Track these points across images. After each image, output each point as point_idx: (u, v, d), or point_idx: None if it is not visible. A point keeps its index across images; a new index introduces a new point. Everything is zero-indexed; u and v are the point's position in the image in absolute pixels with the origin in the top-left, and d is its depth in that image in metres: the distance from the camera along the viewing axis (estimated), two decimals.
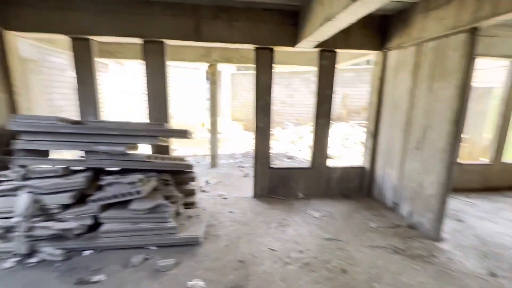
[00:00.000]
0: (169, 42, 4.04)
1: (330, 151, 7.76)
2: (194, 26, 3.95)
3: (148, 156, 3.49)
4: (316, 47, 4.28)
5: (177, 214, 3.46)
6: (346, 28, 4.38)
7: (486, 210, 4.49)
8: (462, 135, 3.29)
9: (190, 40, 4.02)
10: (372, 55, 4.80)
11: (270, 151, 4.75)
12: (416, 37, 3.70)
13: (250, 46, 4.27)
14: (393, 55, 4.29)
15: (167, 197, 3.35)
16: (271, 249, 3.16)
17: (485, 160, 5.57)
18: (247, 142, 9.98)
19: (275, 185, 4.83)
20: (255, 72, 4.39)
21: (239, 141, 10.43)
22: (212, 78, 6.54)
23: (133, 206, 3.02)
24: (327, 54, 4.46)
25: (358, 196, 4.96)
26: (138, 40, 3.94)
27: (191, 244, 3.14)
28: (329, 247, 3.24)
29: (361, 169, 5.04)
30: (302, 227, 3.73)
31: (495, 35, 4.74)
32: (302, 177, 4.87)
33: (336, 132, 9.68)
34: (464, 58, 3.03)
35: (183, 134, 3.61)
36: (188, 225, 3.36)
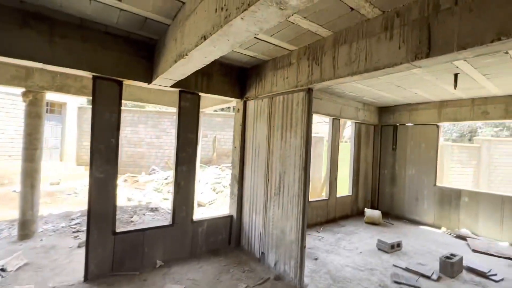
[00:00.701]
0: None
1: (200, 198, 7.35)
2: None
3: None
4: (176, 87, 3.87)
5: None
6: (209, 73, 4.36)
7: (330, 242, 5.16)
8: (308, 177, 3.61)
9: None
10: (235, 102, 4.92)
11: (117, 208, 3.57)
12: (269, 90, 4.03)
13: (86, 74, 3.26)
14: (252, 104, 4.53)
15: None
16: None
17: (324, 196, 6.74)
18: None
19: (122, 256, 3.58)
20: (92, 107, 3.34)
21: (83, 193, 7.98)
22: (34, 109, 4.68)
23: None
24: (188, 96, 4.12)
25: (227, 250, 4.51)
26: None
27: None
28: None
29: (229, 218, 4.71)
30: None
31: (322, 98, 6.11)
32: (161, 238, 3.92)
33: (206, 176, 9.36)
34: (305, 112, 3.45)
35: None
36: None
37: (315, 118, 9.38)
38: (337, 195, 6.81)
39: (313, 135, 11.41)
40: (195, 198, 6.30)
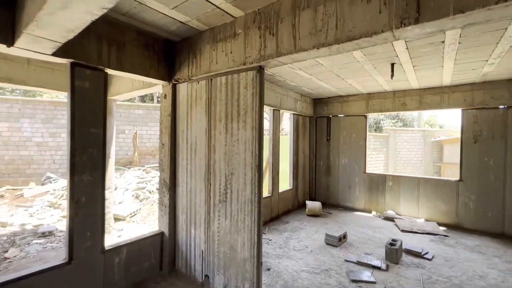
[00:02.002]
0: None
1: (118, 210, 5.76)
2: None
3: None
4: (64, 56, 2.55)
5: None
6: (120, 42, 3.12)
7: (279, 244, 4.71)
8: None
9: None
10: (160, 87, 3.80)
11: None
12: (207, 70, 3.14)
13: None
14: (184, 88, 3.54)
15: None
16: None
17: (267, 194, 6.29)
18: None
19: None
20: None
21: None
22: None
23: None
24: (87, 72, 2.82)
25: (159, 278, 3.46)
26: None
27: None
28: None
29: (159, 235, 3.63)
30: None
31: None
32: (52, 286, 2.58)
33: (126, 181, 7.67)
34: (256, 97, 2.75)
35: None
36: None
37: None
38: (280, 190, 6.48)
39: None
40: (108, 216, 4.86)
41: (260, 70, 2.72)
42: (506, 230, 5.26)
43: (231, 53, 2.88)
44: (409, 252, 4.36)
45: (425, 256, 4.22)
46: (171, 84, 3.63)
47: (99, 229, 2.94)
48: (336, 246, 4.61)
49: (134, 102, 13.35)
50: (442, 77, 5.09)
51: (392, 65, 4.33)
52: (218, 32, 3.02)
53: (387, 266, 3.88)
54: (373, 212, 6.77)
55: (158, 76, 3.47)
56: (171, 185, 3.64)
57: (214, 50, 3.06)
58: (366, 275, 3.60)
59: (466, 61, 4.14)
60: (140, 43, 3.24)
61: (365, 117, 7.07)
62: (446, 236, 5.22)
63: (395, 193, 6.59)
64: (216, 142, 3.12)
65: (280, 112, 6.58)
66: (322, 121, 7.83)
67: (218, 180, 3.10)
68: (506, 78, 5.15)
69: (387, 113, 7.52)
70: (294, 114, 7.07)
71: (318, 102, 7.81)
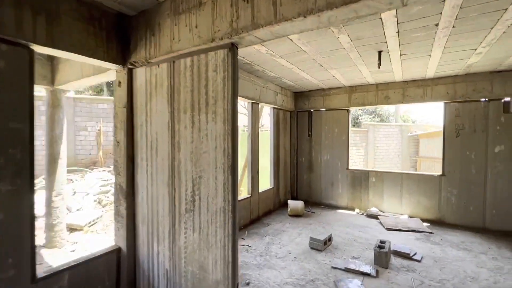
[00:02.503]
0: None
1: (74, 218, 4.92)
2: None
3: None
4: None
5: None
6: (51, 11, 2.36)
7: (260, 251, 4.25)
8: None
9: None
10: (114, 73, 3.14)
11: None
12: (167, 49, 2.55)
13: None
14: (142, 73, 2.91)
15: None
16: None
17: (246, 194, 5.79)
18: None
19: None
20: None
21: None
22: None
23: None
24: (2, 47, 2.13)
25: None
26: None
27: None
28: None
29: (114, 252, 3.01)
30: None
31: (240, 78, 5.02)
32: None
33: (88, 184, 6.80)
34: (228, 82, 2.22)
35: None
36: None
37: None
38: (260, 190, 6.02)
39: None
40: (59, 227, 4.13)
41: (233, 48, 2.19)
42: (487, 224, 5.21)
43: (196, 27, 2.31)
44: (398, 254, 4.09)
45: (414, 257, 3.98)
46: (126, 69, 2.98)
47: (27, 253, 2.27)
48: (321, 251, 4.24)
49: (102, 96, 12.16)
50: (427, 68, 4.87)
51: (379, 53, 3.99)
52: (180, 1, 2.44)
53: (377, 272, 3.57)
54: (357, 210, 6.54)
55: (108, 58, 2.81)
56: (128, 191, 3.02)
57: (176, 25, 2.47)
58: (356, 284, 3.24)
59: (454, 50, 3.90)
60: (82, 15, 2.56)
61: (348, 111, 6.79)
62: (430, 233, 5.06)
63: (378, 189, 6.39)
64: (180, 138, 2.56)
65: (260, 105, 6.08)
66: (303, 116, 7.46)
67: (184, 185, 2.54)
68: (488, 70, 5.05)
69: (371, 107, 7.29)
70: (274, 108, 6.62)
71: (299, 95, 7.42)
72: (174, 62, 2.59)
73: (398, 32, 3.29)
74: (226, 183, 2.24)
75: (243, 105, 10.32)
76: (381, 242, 3.97)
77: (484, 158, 5.25)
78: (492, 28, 3.13)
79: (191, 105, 2.46)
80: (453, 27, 3.12)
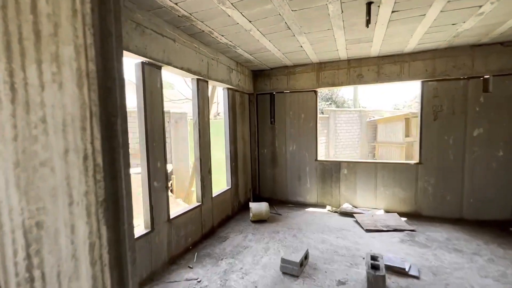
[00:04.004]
0: None
1: None
2: None
3: None
4: None
5: None
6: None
7: (213, 286, 2.99)
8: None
9: None
10: None
11: None
12: None
13: None
14: None
15: None
16: None
17: (195, 202, 4.41)
18: None
19: None
20: None
21: None
22: None
23: None
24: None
25: None
26: None
27: None
28: None
29: None
30: None
31: (176, 40, 3.52)
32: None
33: None
34: None
35: None
36: None
37: (170, 86, 6.71)
38: (213, 194, 4.70)
39: (172, 110, 8.56)
40: None
41: None
42: (464, 214, 4.79)
43: None
44: (391, 269, 3.24)
45: (410, 273, 3.16)
46: None
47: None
48: (297, 276, 3.16)
49: None
50: (411, 37, 4.03)
51: (369, 5, 2.92)
52: None
53: None
54: (328, 207, 5.69)
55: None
56: None
57: None
58: None
59: (457, 6, 3.03)
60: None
61: (316, 92, 5.79)
62: (413, 231, 4.42)
63: (351, 182, 5.62)
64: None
65: (209, 85, 4.65)
66: (264, 99, 6.25)
67: (11, 241, 1.08)
68: (470, 43, 4.45)
69: (341, 88, 6.42)
70: (229, 88, 5.25)
71: (260, 74, 6.17)
72: None
73: None
74: (97, 243, 0.86)
75: (186, 83, 8.55)
76: (373, 258, 3.04)
77: (462, 142, 4.75)
78: None
79: (6, 46, 0.97)
80: None
